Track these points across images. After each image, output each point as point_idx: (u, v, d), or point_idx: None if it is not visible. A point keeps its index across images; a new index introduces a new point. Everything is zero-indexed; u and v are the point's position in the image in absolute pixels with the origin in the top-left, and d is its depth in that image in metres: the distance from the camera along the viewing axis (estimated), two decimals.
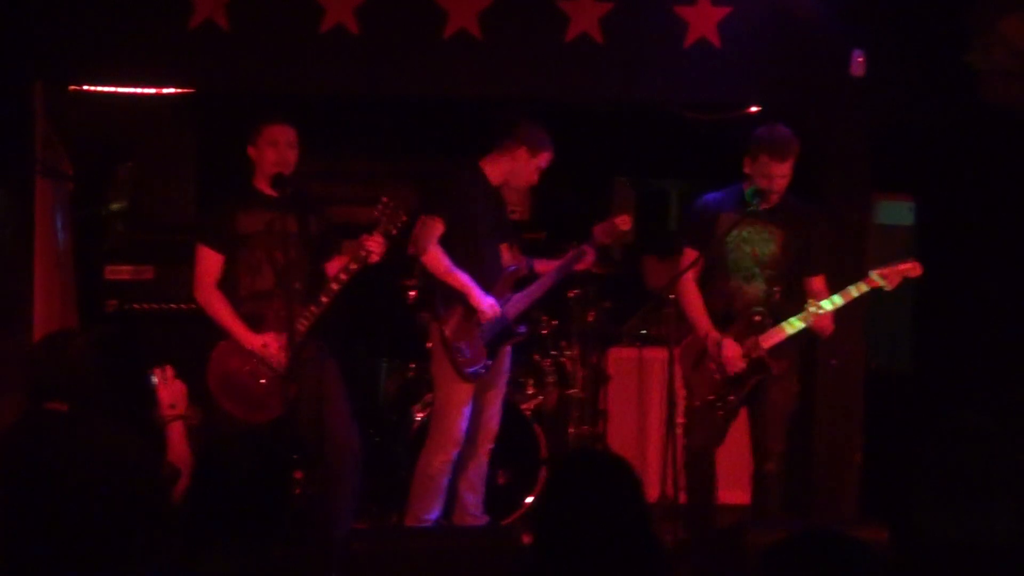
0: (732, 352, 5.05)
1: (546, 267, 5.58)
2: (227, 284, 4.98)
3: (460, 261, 5.26)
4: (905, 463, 2.63)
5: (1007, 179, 6.00)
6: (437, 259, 5.24)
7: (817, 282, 5.18)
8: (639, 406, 6.34)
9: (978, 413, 2.70)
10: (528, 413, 5.97)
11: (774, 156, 5.00)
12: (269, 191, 4.99)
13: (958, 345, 6.35)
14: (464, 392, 5.35)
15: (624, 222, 5.53)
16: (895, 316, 6.77)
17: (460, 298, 5.26)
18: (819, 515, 5.64)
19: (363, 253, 4.86)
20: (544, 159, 5.38)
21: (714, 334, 5.08)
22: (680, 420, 5.24)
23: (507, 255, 5.54)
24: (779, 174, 5.01)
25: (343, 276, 4.89)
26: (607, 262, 5.80)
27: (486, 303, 5.26)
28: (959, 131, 5.86)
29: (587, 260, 5.55)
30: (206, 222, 5.10)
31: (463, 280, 5.24)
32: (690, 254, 5.19)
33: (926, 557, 2.50)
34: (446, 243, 5.25)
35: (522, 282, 5.55)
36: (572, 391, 6.29)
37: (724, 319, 5.13)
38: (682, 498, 5.24)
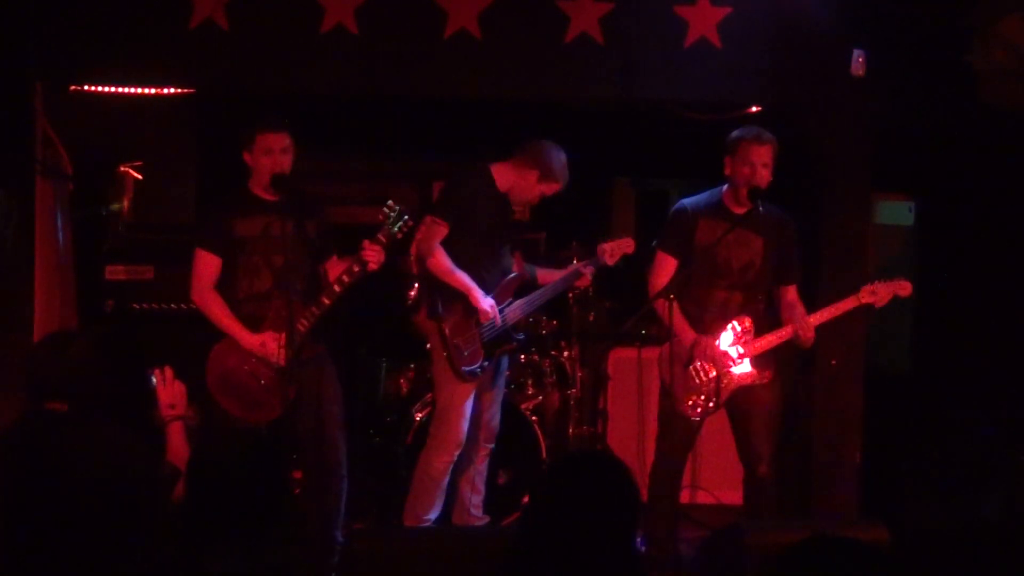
0: (716, 351, 5.06)
1: (548, 277, 5.60)
2: (225, 287, 4.99)
3: (461, 262, 5.27)
4: (903, 460, 2.64)
5: (1007, 179, 6.00)
6: (439, 260, 5.25)
7: (790, 292, 5.20)
8: (639, 406, 6.33)
9: (976, 412, 2.71)
10: (528, 413, 5.98)
11: (754, 140, 5.00)
12: (265, 195, 5.00)
13: (958, 345, 6.35)
14: (465, 392, 5.35)
15: (628, 245, 5.56)
16: (895, 316, 6.76)
17: (461, 298, 5.28)
18: (818, 515, 5.64)
19: (360, 264, 4.85)
20: (551, 188, 5.39)
21: (695, 336, 5.09)
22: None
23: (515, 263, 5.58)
24: (761, 161, 5.00)
25: (345, 278, 4.89)
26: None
27: (486, 303, 5.27)
28: (958, 131, 5.86)
29: (584, 280, 5.58)
30: (204, 226, 5.11)
31: (464, 281, 5.26)
32: (666, 259, 5.19)
33: (925, 554, 2.50)
34: (448, 244, 5.26)
35: (524, 290, 5.55)
36: (572, 391, 6.29)
37: (708, 326, 5.13)
38: (643, 496, 5.25)
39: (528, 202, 5.55)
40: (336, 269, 5.01)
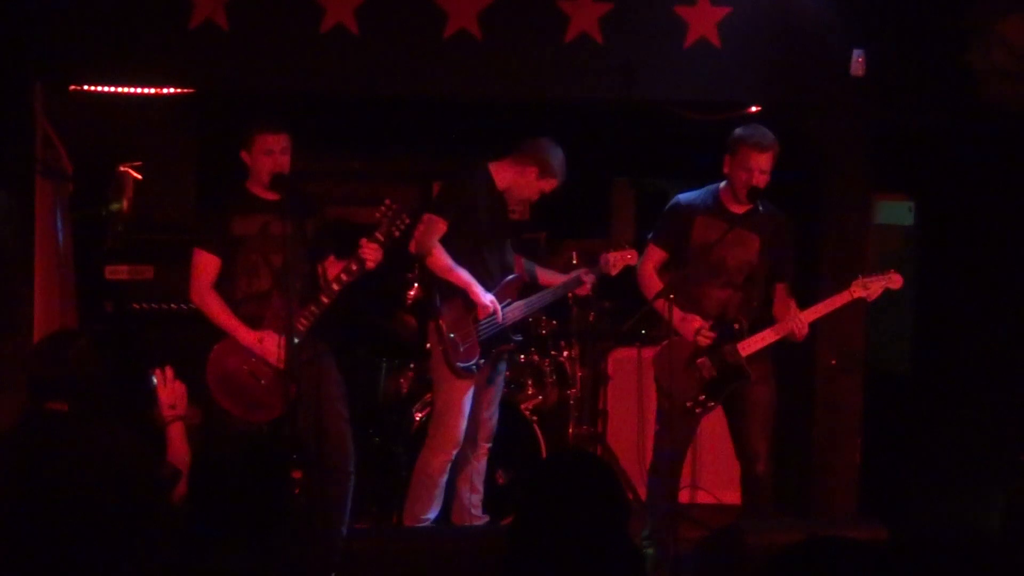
0: (696, 323, 5.07)
1: (548, 279, 5.60)
2: (224, 286, 4.99)
3: (461, 261, 5.28)
4: (904, 461, 2.64)
5: (1007, 179, 6.00)
6: (438, 257, 5.26)
7: (782, 289, 5.20)
8: (639, 406, 6.34)
9: (977, 411, 2.71)
10: (528, 413, 5.98)
11: (754, 147, 5.00)
12: (264, 194, 5.00)
13: (958, 345, 6.35)
14: (463, 390, 5.35)
15: (632, 256, 5.55)
16: (895, 316, 6.77)
17: (459, 294, 5.28)
18: (818, 515, 5.64)
19: (358, 263, 4.86)
20: (550, 184, 5.40)
21: (700, 322, 5.10)
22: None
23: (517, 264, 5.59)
24: (759, 167, 5.01)
25: (344, 277, 4.89)
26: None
27: (486, 298, 5.28)
28: (958, 131, 5.87)
29: (585, 288, 5.57)
30: (202, 225, 5.12)
31: (463, 277, 5.26)
32: (655, 252, 5.23)
33: (925, 556, 2.50)
34: (448, 242, 5.27)
35: (524, 291, 5.56)
36: (572, 391, 6.29)
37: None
38: (642, 495, 5.28)
39: (527, 199, 5.55)
40: (334, 269, 5.01)
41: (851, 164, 5.77)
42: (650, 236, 5.32)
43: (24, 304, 5.35)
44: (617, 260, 5.53)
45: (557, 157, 5.38)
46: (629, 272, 5.49)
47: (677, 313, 5.05)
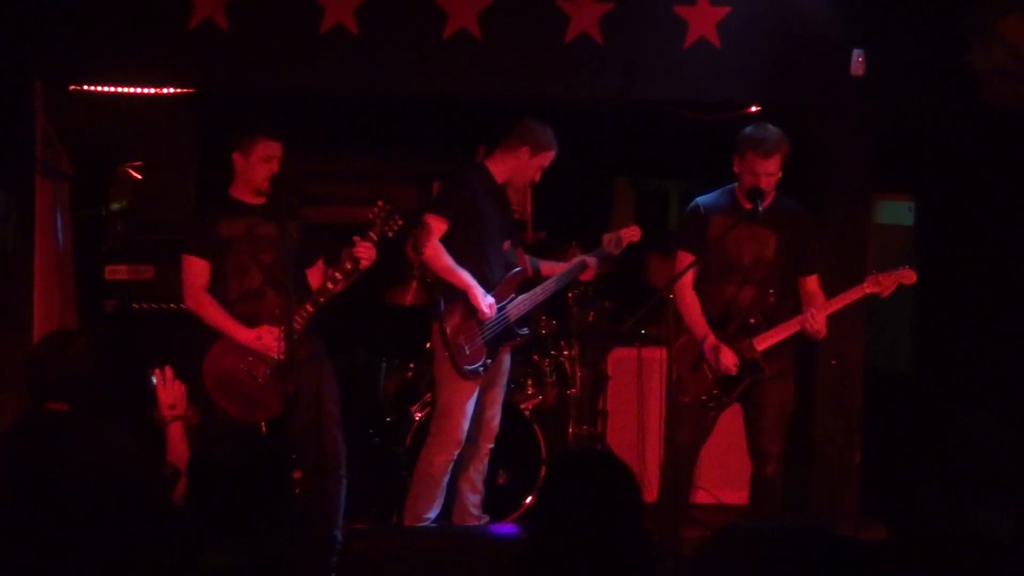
0: (728, 360, 5.06)
1: (551, 270, 5.60)
2: (217, 289, 5.00)
3: (463, 260, 5.28)
4: (906, 461, 2.63)
5: (1007, 179, 6.00)
6: (438, 257, 5.25)
7: (811, 282, 5.20)
8: (639, 406, 6.34)
9: (979, 411, 2.70)
10: (528, 413, 5.98)
11: (759, 152, 5.01)
12: (247, 198, 5.02)
13: (958, 345, 6.35)
14: (467, 391, 5.35)
15: (634, 233, 5.55)
16: (895, 316, 6.76)
17: (462, 296, 5.28)
18: (819, 515, 5.64)
19: (352, 261, 4.87)
20: (546, 158, 5.40)
21: (711, 339, 5.09)
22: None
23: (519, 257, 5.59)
24: (765, 171, 5.01)
25: (339, 276, 4.90)
26: (609, 262, 5.84)
27: (485, 302, 5.27)
28: (958, 131, 5.86)
29: (589, 273, 5.59)
30: (189, 232, 5.13)
31: (464, 279, 5.26)
32: (685, 257, 5.19)
33: (926, 555, 2.50)
34: (449, 242, 5.27)
35: (527, 284, 5.56)
36: (572, 391, 6.29)
37: (719, 321, 5.14)
38: (652, 495, 5.28)
39: (531, 181, 5.51)
40: (317, 274, 5.04)
41: (851, 164, 5.77)
42: (674, 244, 5.29)
43: (24, 304, 5.35)
44: (621, 239, 5.53)
45: (544, 131, 5.38)
46: (629, 272, 5.49)
47: (711, 339, 5.07)
